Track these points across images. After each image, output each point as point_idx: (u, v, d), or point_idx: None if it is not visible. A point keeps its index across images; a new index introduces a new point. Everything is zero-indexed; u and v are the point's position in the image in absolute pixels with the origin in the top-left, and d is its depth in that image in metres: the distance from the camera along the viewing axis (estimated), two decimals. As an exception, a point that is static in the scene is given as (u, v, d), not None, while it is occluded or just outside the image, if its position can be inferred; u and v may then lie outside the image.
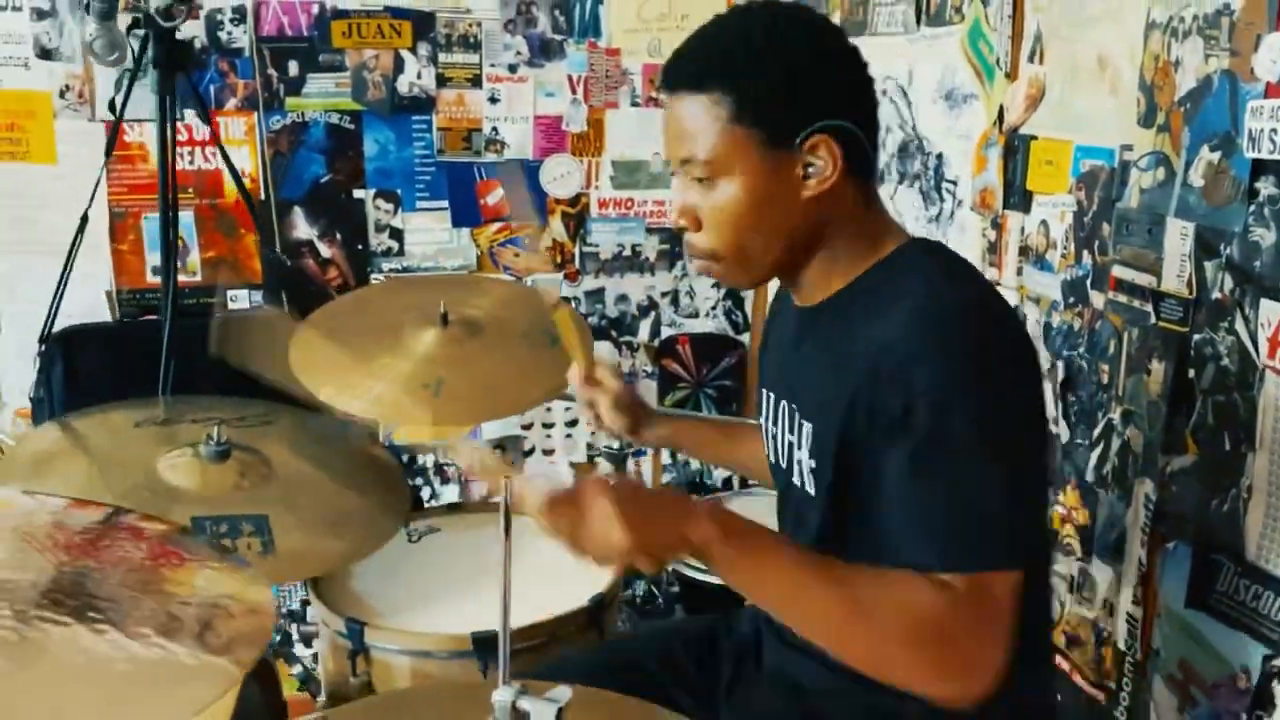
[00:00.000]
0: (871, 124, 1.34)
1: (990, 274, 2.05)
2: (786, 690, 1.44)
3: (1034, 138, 1.95)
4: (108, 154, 2.39)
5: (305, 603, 3.04)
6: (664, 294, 3.34)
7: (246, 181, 2.94)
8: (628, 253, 3.29)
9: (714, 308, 3.40)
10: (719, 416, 1.99)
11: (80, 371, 2.16)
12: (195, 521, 1.70)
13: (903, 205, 2.42)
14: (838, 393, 1.28)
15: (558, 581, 1.88)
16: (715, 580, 2.06)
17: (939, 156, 2.28)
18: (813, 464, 1.34)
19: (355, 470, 2.00)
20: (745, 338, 3.42)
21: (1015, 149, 2.00)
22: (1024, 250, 1.98)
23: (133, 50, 2.05)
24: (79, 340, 2.36)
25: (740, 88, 1.29)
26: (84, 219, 2.35)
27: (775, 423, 1.45)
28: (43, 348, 2.19)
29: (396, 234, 3.10)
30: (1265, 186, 1.43)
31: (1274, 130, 1.41)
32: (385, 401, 1.99)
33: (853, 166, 1.29)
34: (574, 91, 3.15)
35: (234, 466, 1.85)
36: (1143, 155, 1.66)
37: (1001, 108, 2.03)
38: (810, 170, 1.29)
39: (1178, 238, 1.59)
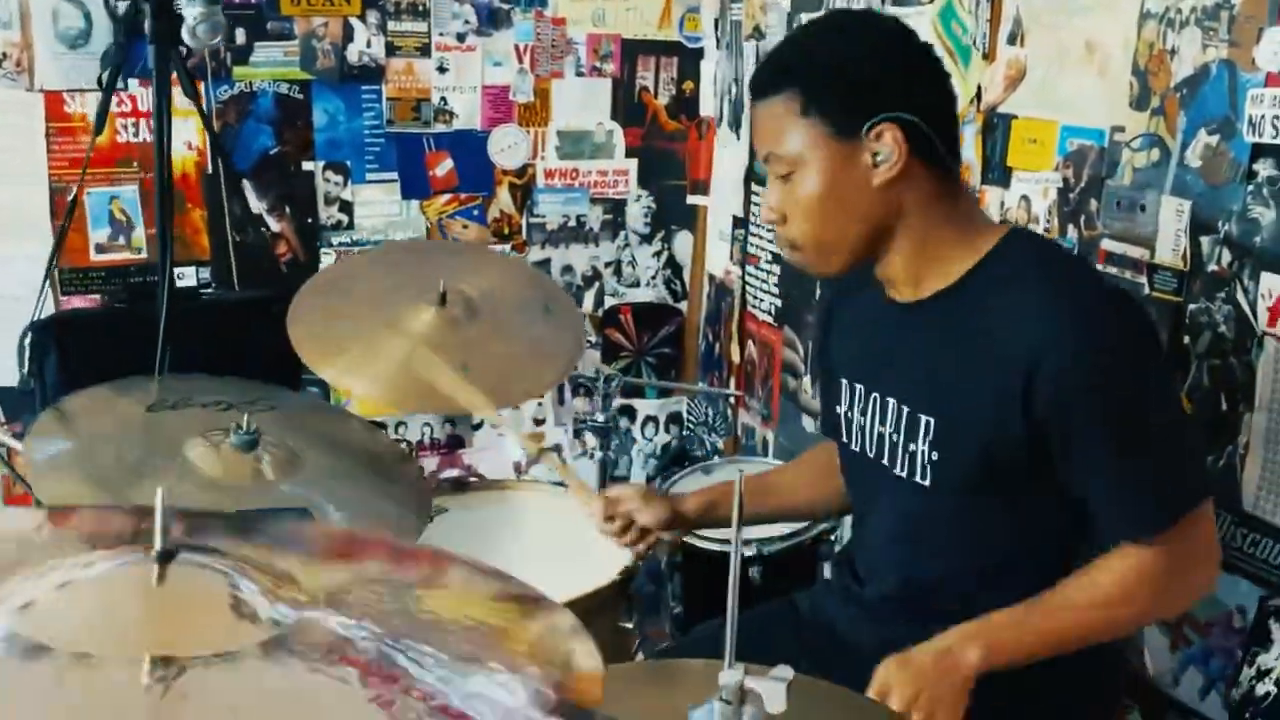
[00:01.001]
0: (942, 116, 1.42)
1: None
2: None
3: (1015, 117, 2.06)
4: (97, 131, 2.30)
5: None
6: (607, 264, 3.39)
7: (193, 155, 2.87)
8: (573, 223, 3.32)
9: (654, 277, 3.46)
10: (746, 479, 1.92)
11: (72, 359, 2.08)
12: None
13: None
14: (977, 389, 1.37)
15: (575, 560, 1.94)
16: (715, 547, 2.14)
17: (909, 132, 2.38)
18: (934, 456, 1.43)
19: (373, 456, 2.00)
20: (684, 306, 3.50)
21: (994, 127, 2.11)
22: (1003, 224, 2.09)
23: (121, 23, 1.98)
24: (71, 327, 2.27)
25: (807, 84, 1.39)
26: (74, 202, 2.25)
27: (864, 414, 1.53)
28: (30, 336, 2.10)
29: (346, 207, 3.06)
30: (1264, 168, 1.57)
31: (1275, 116, 1.54)
32: (405, 386, 2.00)
33: (922, 155, 1.38)
34: (520, 61, 3.15)
35: (261, 456, 1.81)
36: (1136, 136, 1.79)
37: (979, 87, 2.14)
38: (878, 159, 1.38)
39: (1173, 214, 1.72)
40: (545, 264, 3.30)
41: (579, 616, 0.84)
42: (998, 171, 2.11)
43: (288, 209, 3.01)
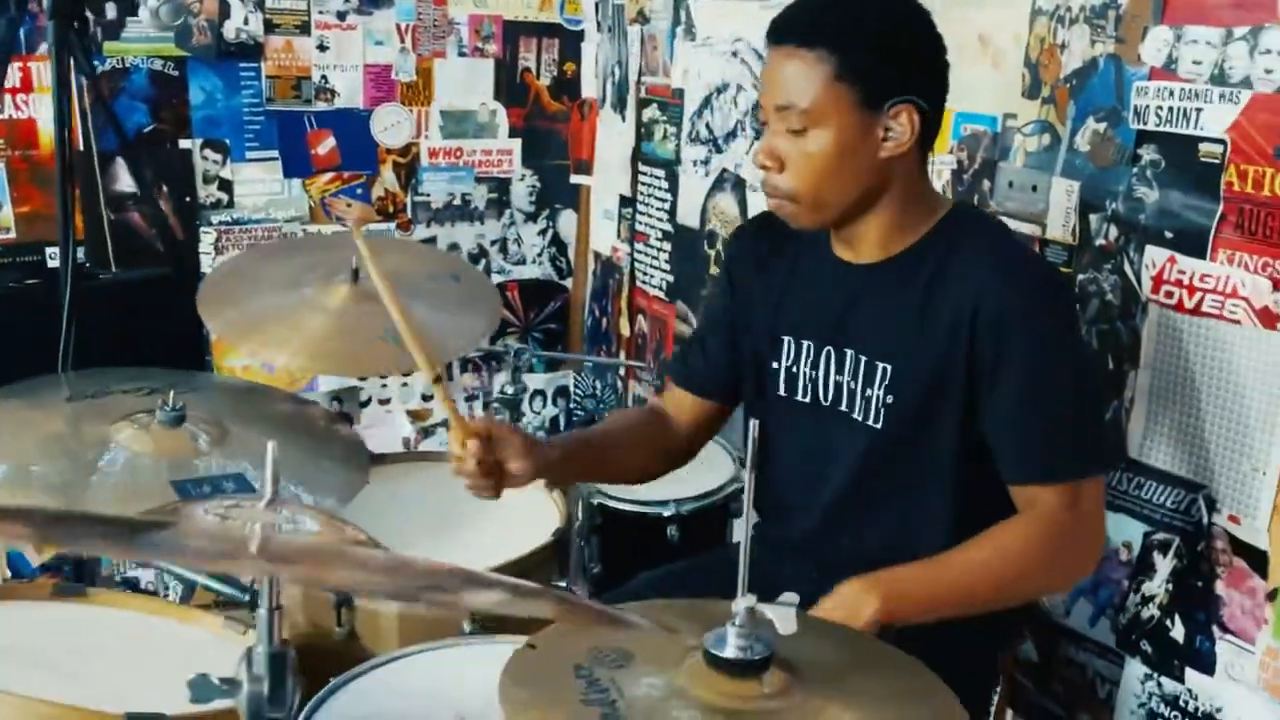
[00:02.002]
0: (943, 103, 1.55)
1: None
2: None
3: (909, 102, 2.20)
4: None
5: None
6: (493, 242, 3.42)
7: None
8: (458, 202, 3.34)
9: (540, 255, 3.52)
10: (583, 432, 1.89)
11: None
12: (177, 485, 1.67)
13: (761, 159, 2.64)
14: (930, 335, 1.51)
15: (505, 525, 2.00)
16: (632, 509, 2.24)
17: (802, 115, 2.50)
18: (889, 399, 1.56)
19: (305, 421, 2.01)
20: (569, 282, 3.56)
21: (890, 112, 2.25)
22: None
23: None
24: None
25: (845, 49, 1.47)
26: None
27: (815, 367, 1.65)
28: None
29: (226, 185, 3.00)
30: (1148, 153, 1.75)
31: (1159, 107, 1.72)
32: (325, 353, 2.02)
33: (922, 138, 1.51)
34: (402, 40, 3.15)
35: (189, 431, 1.81)
36: (1027, 123, 1.95)
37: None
38: (890, 134, 1.50)
39: (1063, 194, 1.89)
40: (431, 242, 3.31)
41: (518, 574, 0.91)
42: (893, 153, 2.25)
43: (165, 187, 2.93)
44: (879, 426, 1.59)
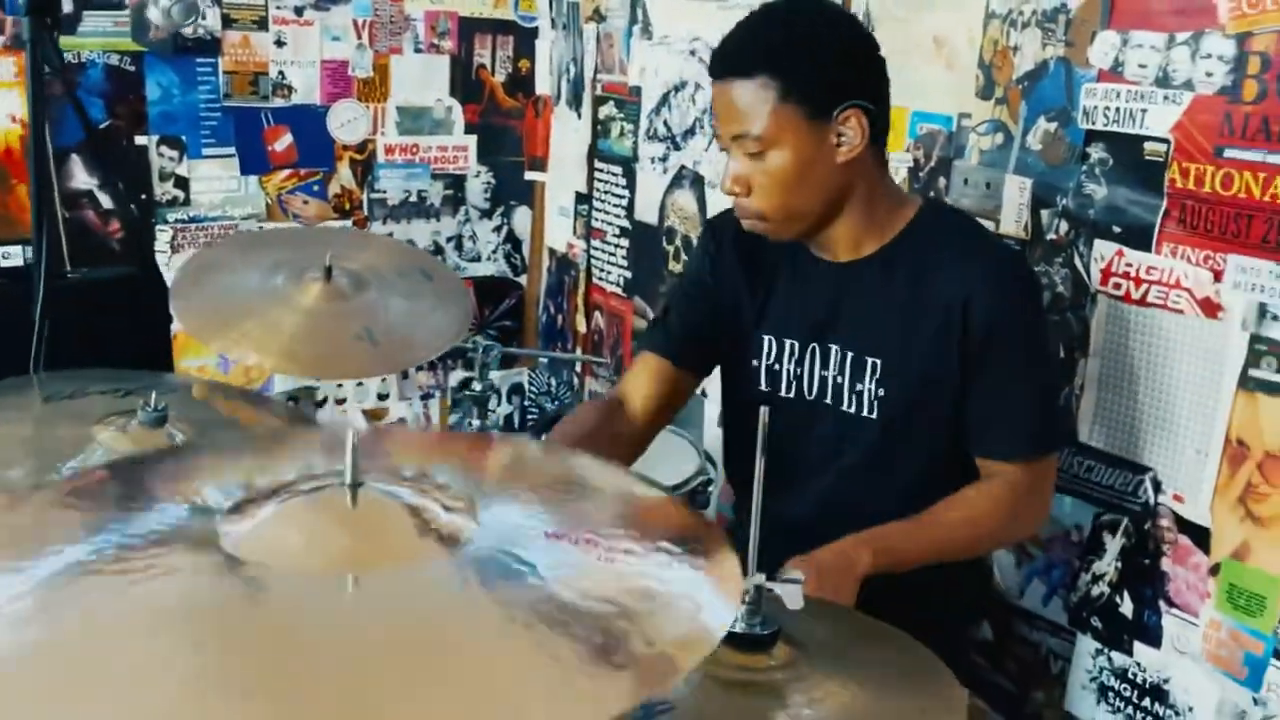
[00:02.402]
0: (886, 99, 1.63)
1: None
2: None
3: (866, 102, 2.28)
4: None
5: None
6: (449, 239, 3.45)
7: (18, 129, 2.74)
8: (414, 198, 3.36)
9: (494, 251, 3.55)
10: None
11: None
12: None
13: (722, 156, 2.69)
14: (920, 330, 1.60)
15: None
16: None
17: (760, 114, 2.56)
18: (881, 392, 1.65)
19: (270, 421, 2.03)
20: (524, 279, 3.60)
21: (846, 111, 2.32)
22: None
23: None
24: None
25: (786, 72, 1.54)
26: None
27: (800, 364, 1.73)
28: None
29: (182, 182, 3.00)
30: (1096, 151, 1.83)
31: (1106, 107, 1.80)
32: (304, 355, 2.03)
33: (874, 138, 1.59)
34: (359, 36, 3.16)
35: (169, 432, 1.82)
36: (981, 122, 2.03)
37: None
38: (842, 140, 1.57)
39: (1016, 191, 1.97)
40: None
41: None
42: (849, 151, 2.32)
43: (120, 184, 2.91)
44: (874, 417, 1.67)
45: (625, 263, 3.13)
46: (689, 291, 1.88)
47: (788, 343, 1.75)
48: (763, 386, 1.78)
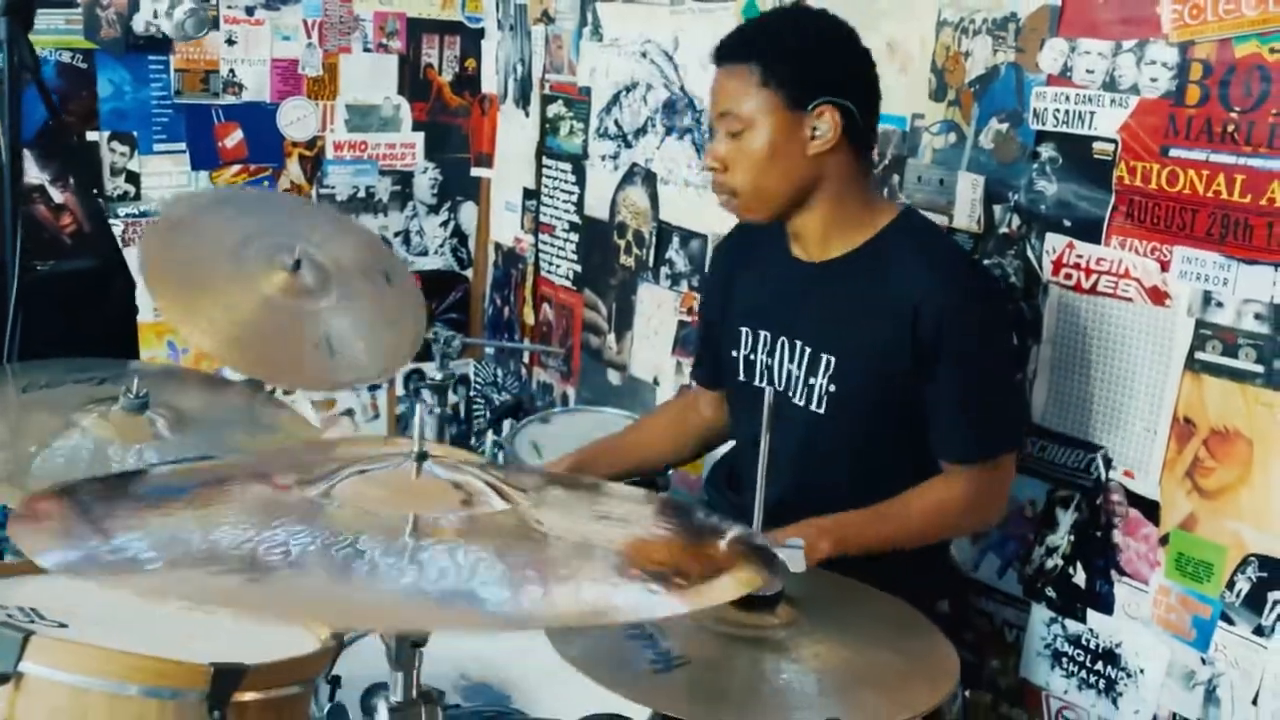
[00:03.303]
0: (871, 110, 1.74)
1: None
2: None
3: (821, 102, 2.38)
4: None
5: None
6: (396, 234, 3.48)
7: (-31, 124, 2.70)
8: (362, 194, 3.38)
9: (441, 246, 3.59)
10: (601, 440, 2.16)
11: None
12: (153, 468, 1.71)
13: (673, 154, 2.78)
14: (873, 332, 1.70)
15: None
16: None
17: (715, 113, 2.65)
18: (832, 388, 1.74)
19: (250, 409, 2.05)
20: (469, 273, 3.64)
21: (802, 111, 2.42)
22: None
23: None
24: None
25: (768, 59, 1.68)
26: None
27: (770, 355, 1.82)
28: None
29: (133, 178, 2.98)
30: (1046, 150, 1.96)
31: (1056, 109, 1.93)
32: (268, 360, 2.01)
33: (851, 137, 1.70)
34: (309, 35, 3.18)
35: (149, 417, 1.84)
36: (934, 123, 2.15)
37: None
38: (816, 132, 1.69)
39: (969, 187, 2.09)
40: (336, 236, 3.33)
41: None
42: (806, 149, 2.42)
43: (71, 180, 2.89)
44: (822, 412, 1.76)
45: (575, 256, 3.20)
46: (703, 323, 2.09)
47: (762, 334, 1.85)
48: (741, 376, 1.88)
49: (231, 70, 3.06)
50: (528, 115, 3.33)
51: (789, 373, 1.81)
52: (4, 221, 2.25)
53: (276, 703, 1.15)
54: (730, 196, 1.76)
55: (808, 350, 1.77)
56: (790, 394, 1.81)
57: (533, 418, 2.60)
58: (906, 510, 1.74)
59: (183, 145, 3.04)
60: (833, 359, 1.75)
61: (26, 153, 2.78)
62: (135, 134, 2.96)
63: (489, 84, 3.50)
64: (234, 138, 3.11)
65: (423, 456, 0.97)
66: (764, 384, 1.85)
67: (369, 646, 1.30)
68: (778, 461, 1.81)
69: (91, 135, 2.90)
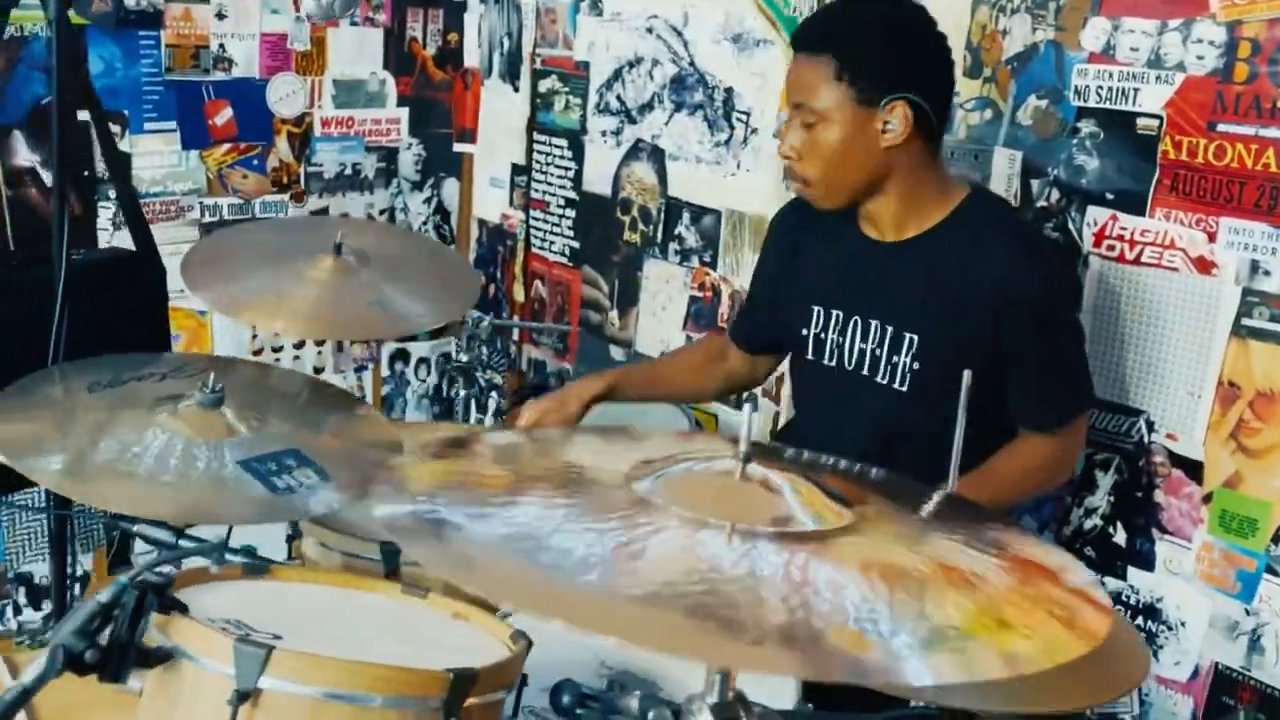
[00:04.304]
0: (943, 100, 1.77)
1: (801, 189, 2.51)
2: None
3: (845, 79, 2.42)
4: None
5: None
6: (381, 211, 3.43)
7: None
8: (349, 171, 3.33)
9: (425, 223, 3.55)
10: (635, 365, 2.31)
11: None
12: (245, 465, 1.69)
13: (683, 130, 2.80)
14: (956, 309, 1.75)
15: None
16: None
17: (729, 90, 2.67)
18: (916, 365, 1.79)
19: (318, 403, 2.03)
20: (451, 249, 3.61)
21: (826, 87, 2.45)
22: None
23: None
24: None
25: (844, 55, 1.69)
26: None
27: (842, 334, 1.87)
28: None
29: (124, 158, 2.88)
30: (1087, 126, 2.03)
31: (1099, 86, 1.99)
32: (322, 319, 2.17)
33: (921, 130, 1.74)
34: (297, 9, 3.11)
35: (225, 413, 1.81)
36: (969, 99, 2.20)
37: (808, 52, 2.47)
38: (887, 127, 1.72)
39: (1005, 162, 2.15)
40: (324, 213, 3.28)
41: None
42: (829, 125, 2.46)
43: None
44: (905, 389, 1.81)
45: (571, 232, 3.20)
46: (754, 291, 2.15)
47: (834, 314, 1.89)
48: (810, 355, 1.92)
49: (221, 45, 2.98)
50: (516, 90, 3.30)
51: (861, 351, 1.86)
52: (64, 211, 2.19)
53: (493, 706, 1.15)
54: (804, 185, 1.80)
55: (889, 329, 1.82)
56: (864, 371, 1.85)
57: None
58: (995, 477, 1.81)
59: (173, 124, 2.95)
60: (915, 337, 1.80)
61: (17, 134, 2.70)
62: (126, 112, 2.86)
63: (471, 58, 3.46)
64: (224, 115, 3.03)
65: (748, 459, 0.98)
66: (831, 362, 1.90)
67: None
68: (856, 436, 1.88)
69: (83, 115, 2.78)
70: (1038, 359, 1.77)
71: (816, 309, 1.90)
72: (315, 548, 1.97)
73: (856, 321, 1.86)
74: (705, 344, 2.36)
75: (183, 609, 1.15)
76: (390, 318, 2.16)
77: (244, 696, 1.06)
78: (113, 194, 2.88)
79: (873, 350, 1.84)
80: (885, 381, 1.83)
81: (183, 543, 1.58)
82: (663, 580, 0.85)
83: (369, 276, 2.19)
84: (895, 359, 1.81)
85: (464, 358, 2.58)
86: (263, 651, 1.08)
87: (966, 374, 1.24)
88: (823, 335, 1.90)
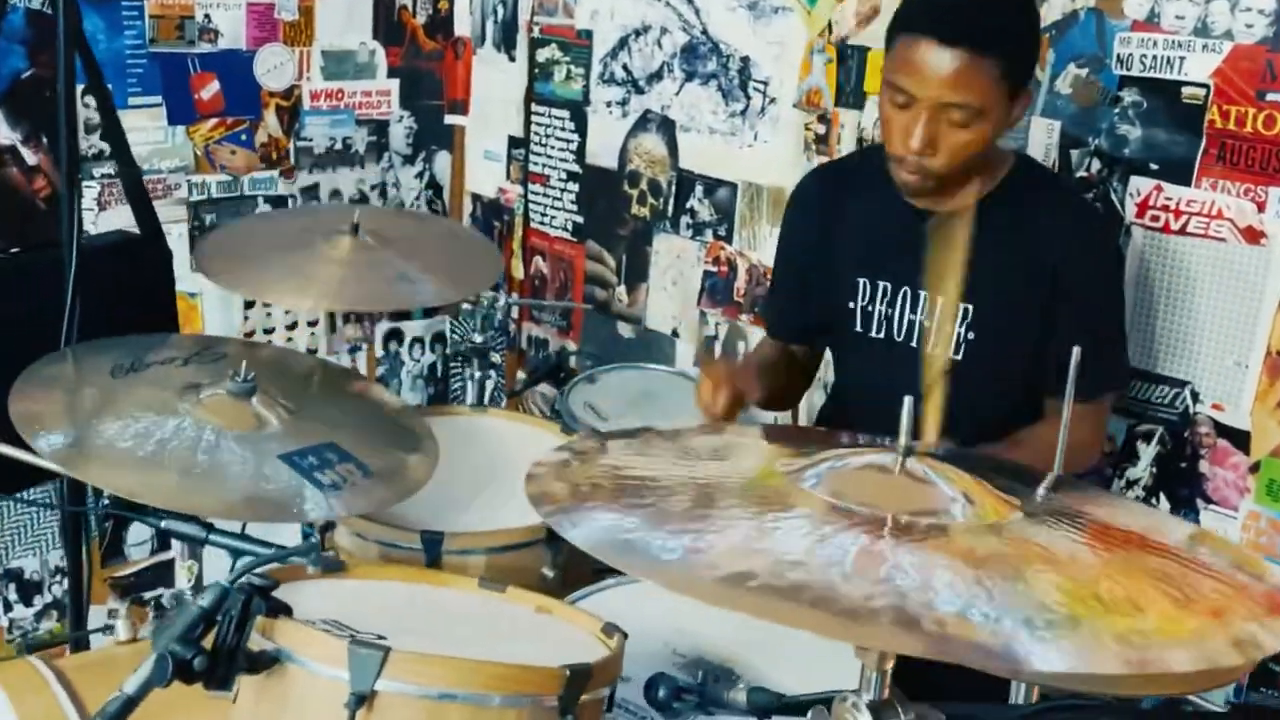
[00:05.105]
0: None
1: (822, 160, 2.46)
2: None
3: (869, 49, 2.37)
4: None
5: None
6: (373, 187, 3.34)
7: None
8: (339, 146, 3.23)
9: (417, 198, 3.46)
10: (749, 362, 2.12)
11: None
12: (286, 459, 1.62)
13: (695, 100, 2.73)
14: (1011, 279, 1.74)
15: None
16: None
17: (745, 59, 2.62)
18: (971, 335, 1.77)
19: (345, 389, 1.96)
20: (468, 227, 3.52)
21: (849, 57, 2.41)
22: (859, 142, 2.42)
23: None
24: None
25: (1012, 57, 1.66)
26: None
27: (890, 305, 1.84)
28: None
29: (108, 134, 2.76)
30: (1129, 95, 2.00)
31: (1143, 55, 1.97)
32: (342, 293, 2.17)
33: None
34: (286, -25, 2.99)
35: (258, 401, 1.73)
36: (1004, 67, 2.16)
37: (830, 21, 2.42)
38: (1014, 116, 1.71)
39: (1044, 131, 2.12)
40: (314, 189, 3.18)
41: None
42: (854, 96, 2.42)
43: (44, 139, 2.67)
44: (959, 358, 1.79)
45: (574, 207, 3.13)
46: (778, 274, 2.08)
47: (880, 285, 1.85)
48: (858, 328, 1.88)
49: (207, 15, 2.86)
50: (512, 59, 3.22)
51: (910, 322, 1.82)
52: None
53: (599, 702, 1.11)
54: (925, 178, 1.72)
55: (939, 300, 1.79)
56: (913, 343, 1.82)
57: (578, 379, 2.55)
58: (1039, 445, 1.77)
59: (159, 98, 2.83)
60: (969, 307, 1.77)
61: (-2, 109, 2.57)
62: (110, 87, 2.73)
63: (462, 26, 3.36)
64: (210, 89, 2.92)
65: (909, 452, 0.99)
66: (880, 334, 1.86)
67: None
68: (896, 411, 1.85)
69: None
70: (1081, 326, 1.75)
71: (862, 281, 1.87)
72: (350, 538, 1.91)
73: (906, 292, 1.83)
74: (762, 350, 2.15)
75: (288, 611, 1.09)
76: (416, 288, 2.16)
77: (361, 700, 1.01)
78: (97, 173, 2.77)
79: (922, 321, 1.82)
80: (939, 352, 1.80)
81: (243, 544, 1.51)
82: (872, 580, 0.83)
83: (388, 254, 2.18)
84: (948, 329, 1.79)
85: (477, 338, 2.50)
86: (379, 654, 1.03)
87: (1076, 351, 1.20)
88: (869, 307, 1.87)
